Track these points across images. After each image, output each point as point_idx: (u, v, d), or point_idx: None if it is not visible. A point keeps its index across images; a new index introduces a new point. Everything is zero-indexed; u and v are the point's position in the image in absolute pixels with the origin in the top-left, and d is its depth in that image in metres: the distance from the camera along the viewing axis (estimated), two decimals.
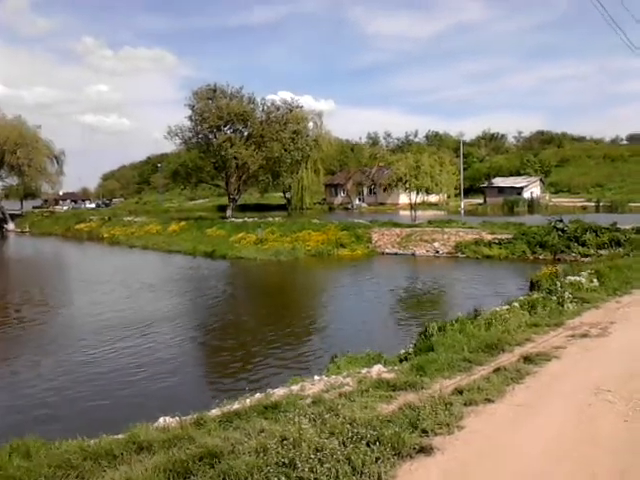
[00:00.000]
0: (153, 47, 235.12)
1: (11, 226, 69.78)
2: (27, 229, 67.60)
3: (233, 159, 52.23)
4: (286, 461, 4.69)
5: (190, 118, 53.62)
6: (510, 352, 8.51)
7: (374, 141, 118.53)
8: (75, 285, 27.70)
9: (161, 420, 6.88)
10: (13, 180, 76.61)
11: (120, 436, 6.08)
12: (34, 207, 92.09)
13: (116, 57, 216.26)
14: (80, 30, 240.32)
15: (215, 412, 7.08)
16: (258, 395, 7.88)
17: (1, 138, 65.88)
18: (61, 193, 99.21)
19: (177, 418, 6.78)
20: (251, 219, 45.69)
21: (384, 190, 76.31)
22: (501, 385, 6.88)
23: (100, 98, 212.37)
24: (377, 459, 4.80)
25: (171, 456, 5.00)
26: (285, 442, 5.04)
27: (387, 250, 34.46)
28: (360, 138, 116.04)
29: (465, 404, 6.28)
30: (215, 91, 53.73)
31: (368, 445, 5.01)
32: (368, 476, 4.59)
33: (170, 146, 64.72)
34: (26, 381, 12.52)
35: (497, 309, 11.28)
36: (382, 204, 76.39)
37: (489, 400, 6.41)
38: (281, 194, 78.04)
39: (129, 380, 12.26)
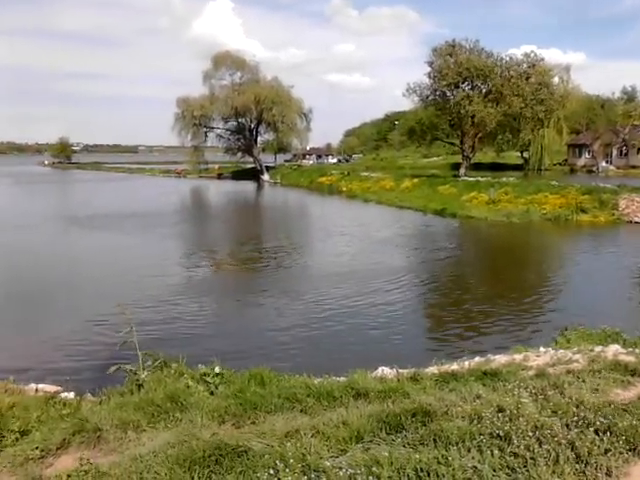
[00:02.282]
0: (396, 5, 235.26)
1: (266, 177, 77.09)
2: (278, 180, 74.02)
3: (470, 117, 50.44)
4: (501, 433, 4.42)
5: (429, 75, 52.76)
6: None
7: (630, 97, 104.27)
8: (316, 234, 29.37)
9: (379, 370, 7.04)
10: (269, 135, 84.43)
11: (341, 379, 6.37)
12: (285, 160, 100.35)
13: (361, 17, 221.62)
14: None
15: (432, 370, 7.02)
16: (477, 359, 7.63)
17: (261, 97, 72.67)
18: (308, 148, 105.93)
19: (394, 370, 6.88)
20: (484, 178, 43.95)
21: (638, 152, 67.40)
22: None
23: (345, 58, 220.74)
24: (607, 451, 4.22)
25: (385, 407, 5.07)
26: (501, 414, 4.76)
27: (636, 219, 30.54)
28: (613, 94, 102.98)
29: None
30: (454, 47, 51.94)
31: (597, 433, 4.44)
32: (595, 467, 4.06)
33: (408, 104, 64.88)
34: (268, 318, 13.86)
35: None
36: (634, 167, 67.58)
37: None
38: (518, 154, 73.56)
39: (353, 327, 12.78)
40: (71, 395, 8.22)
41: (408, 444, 4.33)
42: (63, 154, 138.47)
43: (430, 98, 54.34)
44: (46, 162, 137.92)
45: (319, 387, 5.95)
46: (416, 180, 48.37)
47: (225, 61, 77.29)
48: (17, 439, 5.28)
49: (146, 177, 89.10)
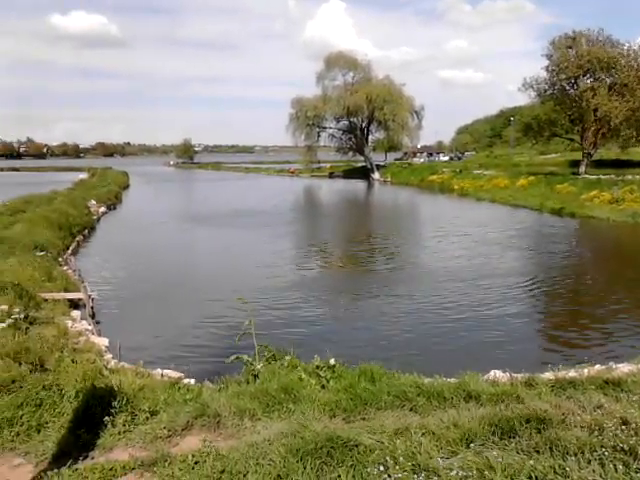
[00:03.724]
0: None
1: (376, 175, 77.04)
2: (388, 178, 73.69)
3: (592, 111, 47.25)
4: (625, 447, 4.14)
5: (546, 69, 50.04)
6: None
7: None
8: (427, 233, 28.64)
9: (491, 373, 6.83)
10: (380, 134, 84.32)
11: (451, 380, 6.25)
12: (395, 159, 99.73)
13: (475, 11, 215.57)
14: None
15: (547, 376, 6.69)
16: (598, 367, 7.16)
17: (373, 96, 72.75)
18: (419, 146, 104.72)
19: (507, 374, 6.64)
20: (606, 176, 41.08)
21: None
22: None
23: (457, 53, 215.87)
24: None
25: (498, 411, 4.92)
26: (625, 426, 4.46)
27: None
28: None
29: None
30: (574, 39, 48.84)
31: None
32: None
33: (524, 99, 62.10)
34: (377, 316, 13.85)
35: None
36: None
37: None
38: None
39: (464, 329, 12.46)
40: (192, 381, 8.73)
41: (522, 450, 4.18)
42: (186, 155, 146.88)
43: (548, 92, 51.56)
44: (171, 162, 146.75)
45: (429, 387, 5.88)
46: (532, 178, 46.19)
47: (338, 61, 78.14)
48: (147, 418, 5.70)
49: (261, 176, 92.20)
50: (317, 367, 6.56)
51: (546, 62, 49.91)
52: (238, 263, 20.71)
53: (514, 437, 4.46)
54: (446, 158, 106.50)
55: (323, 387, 6.21)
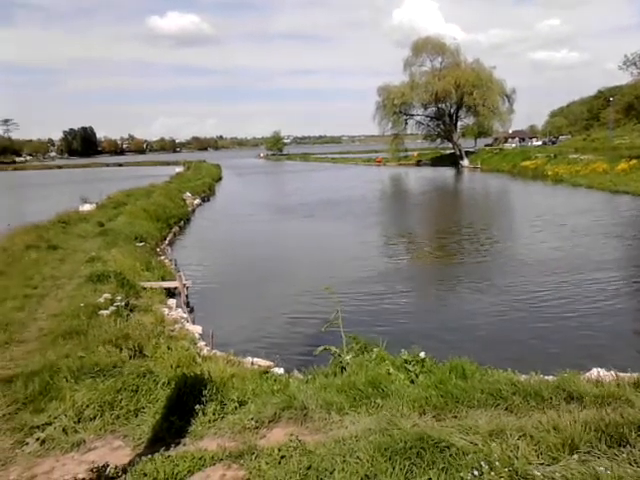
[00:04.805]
0: None
1: (465, 162, 74.78)
2: (478, 165, 71.29)
3: None
4: None
5: None
6: None
7: None
8: (520, 223, 27.25)
9: (594, 371, 6.30)
10: (469, 120, 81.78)
11: (549, 378, 5.82)
12: (485, 145, 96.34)
13: None
14: None
15: None
16: None
17: (461, 81, 70.57)
18: (510, 131, 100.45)
19: (612, 373, 6.10)
20: None
21: None
22: None
23: (550, 33, 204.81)
24: None
25: (604, 415, 4.48)
26: None
27: None
28: None
29: None
30: None
31: None
32: None
33: (624, 77, 57.92)
34: (467, 308, 13.39)
35: None
36: None
37: None
38: None
39: (560, 323, 11.72)
40: (281, 371, 8.78)
41: (635, 462, 3.75)
42: (276, 147, 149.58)
43: None
44: (261, 155, 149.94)
45: (525, 385, 5.48)
46: (635, 161, 42.96)
47: (425, 47, 76.45)
48: (236, 408, 5.73)
49: (349, 166, 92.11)
50: (406, 361, 6.33)
51: None
52: (326, 254, 20.72)
53: (625, 446, 4.03)
54: (539, 143, 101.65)
55: (412, 382, 5.97)
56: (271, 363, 9.49)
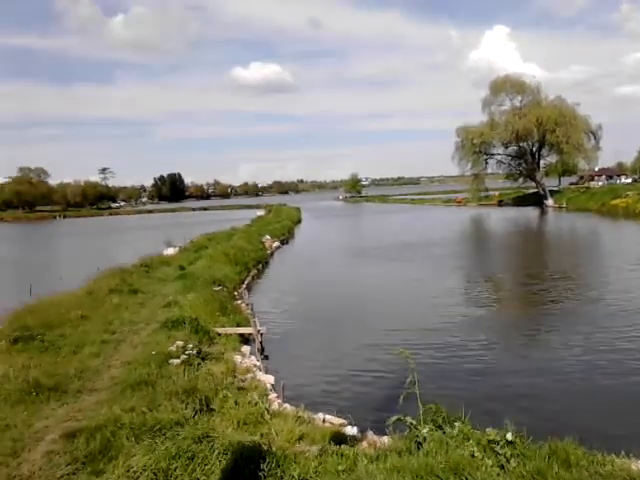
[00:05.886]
0: None
1: (549, 202, 71.50)
2: (563, 204, 67.94)
3: None
4: None
5: None
6: None
7: None
8: (618, 267, 24.34)
9: None
10: (552, 158, 78.76)
11: None
12: (570, 183, 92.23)
13: None
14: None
15: None
16: None
17: (543, 118, 68.27)
18: (596, 169, 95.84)
19: None
20: None
21: None
22: None
23: (637, 66, 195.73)
24: None
25: None
26: None
27: None
28: None
29: None
30: None
31: None
32: None
33: None
34: (560, 368, 11.90)
35: None
36: None
37: None
38: None
39: None
40: (354, 431, 8.08)
41: None
42: (354, 189, 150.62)
43: None
44: (340, 197, 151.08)
45: None
46: None
47: (504, 86, 75.03)
48: None
49: (427, 207, 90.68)
50: (493, 441, 5.38)
51: None
52: (405, 301, 19.73)
53: None
54: (629, 180, 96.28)
55: (502, 467, 5.03)
56: (343, 421, 8.79)
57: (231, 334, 14.13)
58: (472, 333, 14.59)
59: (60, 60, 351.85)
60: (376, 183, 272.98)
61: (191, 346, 11.49)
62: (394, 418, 5.72)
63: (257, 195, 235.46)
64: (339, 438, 8.05)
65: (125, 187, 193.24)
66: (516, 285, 22.21)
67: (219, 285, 20.30)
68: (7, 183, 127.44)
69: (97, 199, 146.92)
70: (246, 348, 13.43)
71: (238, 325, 15.22)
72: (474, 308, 17.86)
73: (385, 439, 8.25)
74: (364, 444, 8.33)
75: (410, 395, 6.03)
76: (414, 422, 5.76)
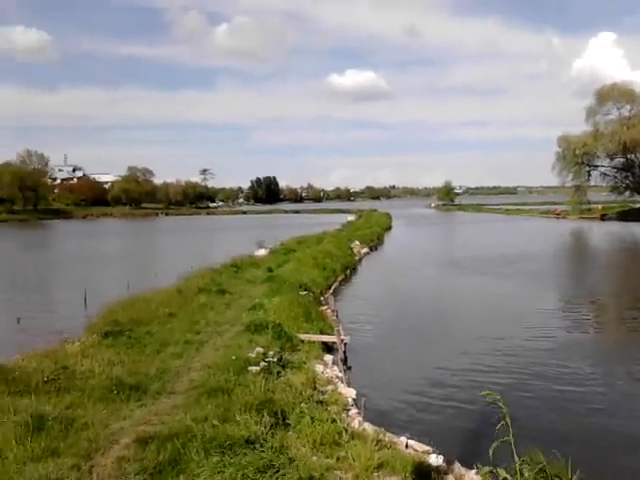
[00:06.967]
0: None
1: None
2: None
3: None
4: None
5: None
6: None
7: None
8: None
9: None
10: None
11: None
12: None
13: None
14: None
15: None
16: None
17: None
18: None
19: None
20: None
21: None
22: None
23: None
24: None
25: None
26: None
27: None
28: None
29: None
30: None
31: None
32: None
33: None
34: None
35: None
36: None
37: None
38: None
39: None
40: (439, 460, 7.38)
41: None
42: (447, 197, 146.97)
43: None
44: (432, 205, 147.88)
45: None
46: None
47: (611, 94, 70.18)
48: None
49: (524, 218, 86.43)
50: None
51: None
52: (495, 319, 18.26)
53: None
54: None
55: None
56: (428, 448, 8.04)
57: (314, 341, 13.66)
58: (572, 360, 13.21)
59: (166, 67, 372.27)
60: (470, 192, 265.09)
61: (272, 353, 11.14)
62: (486, 469, 4.88)
63: (349, 200, 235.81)
64: (422, 469, 7.31)
65: (223, 188, 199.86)
66: (624, 307, 20.04)
67: (305, 289, 19.94)
68: (117, 181, 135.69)
69: (196, 198, 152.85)
70: (328, 357, 12.90)
71: (321, 332, 14.74)
72: (575, 332, 16.32)
73: (473, 474, 7.39)
74: (450, 478, 7.54)
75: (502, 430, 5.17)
76: (508, 477, 4.86)
